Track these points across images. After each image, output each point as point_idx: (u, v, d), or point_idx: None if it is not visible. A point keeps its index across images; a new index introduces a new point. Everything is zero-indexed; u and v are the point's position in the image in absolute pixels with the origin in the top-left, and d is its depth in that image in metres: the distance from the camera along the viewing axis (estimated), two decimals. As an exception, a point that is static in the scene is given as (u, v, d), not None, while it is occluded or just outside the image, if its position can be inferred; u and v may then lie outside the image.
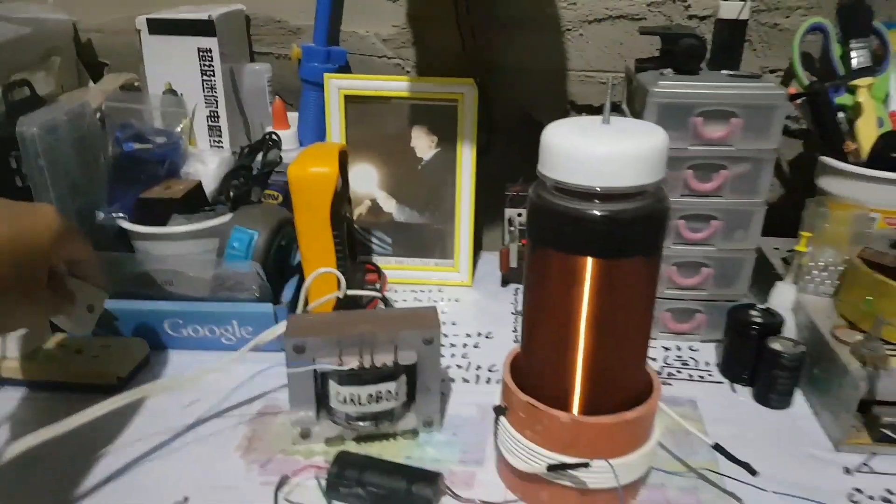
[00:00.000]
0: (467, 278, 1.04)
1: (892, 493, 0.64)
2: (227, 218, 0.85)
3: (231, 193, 0.89)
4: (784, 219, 0.96)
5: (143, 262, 0.83)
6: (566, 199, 0.53)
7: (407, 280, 1.04)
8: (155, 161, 0.91)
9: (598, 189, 0.51)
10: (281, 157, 0.91)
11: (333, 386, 0.65)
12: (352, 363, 0.63)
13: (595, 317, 0.55)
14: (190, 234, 0.84)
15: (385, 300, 0.77)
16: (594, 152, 0.51)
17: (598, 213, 0.52)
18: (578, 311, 0.55)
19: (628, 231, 0.54)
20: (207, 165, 0.93)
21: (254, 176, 0.91)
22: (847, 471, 0.67)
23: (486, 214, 1.09)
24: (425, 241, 1.05)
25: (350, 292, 0.75)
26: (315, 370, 0.65)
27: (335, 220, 0.79)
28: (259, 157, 0.92)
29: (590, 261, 0.54)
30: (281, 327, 0.70)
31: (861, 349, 0.68)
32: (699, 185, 0.80)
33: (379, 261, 1.04)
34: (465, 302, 1.00)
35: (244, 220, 0.83)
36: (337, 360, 0.63)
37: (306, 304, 0.75)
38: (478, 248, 1.11)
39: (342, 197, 0.82)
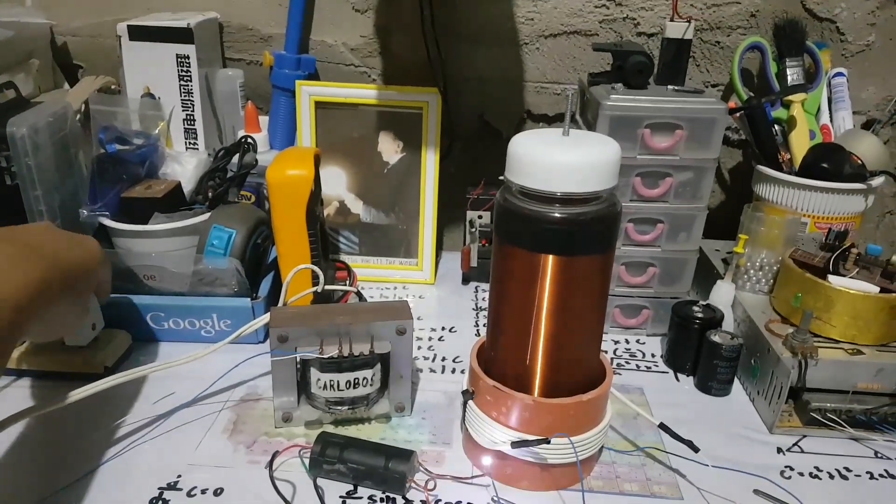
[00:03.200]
0: (430, 276, 1.08)
1: (820, 469, 0.70)
2: (206, 217, 0.87)
3: (209, 193, 0.92)
4: (724, 222, 1.01)
5: (126, 257, 0.85)
6: (529, 203, 0.58)
7: (373, 278, 1.08)
8: (136, 162, 0.92)
9: (559, 194, 0.57)
10: (256, 160, 0.95)
11: (314, 373, 0.69)
12: (331, 352, 0.68)
13: (554, 308, 0.60)
14: (171, 232, 0.87)
15: (360, 294, 0.81)
16: (555, 161, 0.56)
17: (557, 215, 0.57)
18: (540, 302, 0.60)
19: (584, 232, 0.59)
20: (185, 166, 0.95)
21: (230, 177, 0.94)
22: (780, 450, 0.72)
23: (444, 216, 1.13)
24: (390, 241, 1.09)
25: (328, 287, 0.79)
26: (297, 358, 0.69)
27: (310, 219, 0.83)
28: (235, 159, 0.95)
29: (550, 258, 0.59)
30: (264, 319, 0.74)
31: (792, 341, 0.74)
32: (646, 191, 0.85)
33: (347, 259, 1.07)
34: (428, 299, 1.04)
35: (223, 218, 0.86)
36: (318, 349, 0.68)
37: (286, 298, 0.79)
38: (439, 248, 1.14)
39: (316, 198, 0.86)
